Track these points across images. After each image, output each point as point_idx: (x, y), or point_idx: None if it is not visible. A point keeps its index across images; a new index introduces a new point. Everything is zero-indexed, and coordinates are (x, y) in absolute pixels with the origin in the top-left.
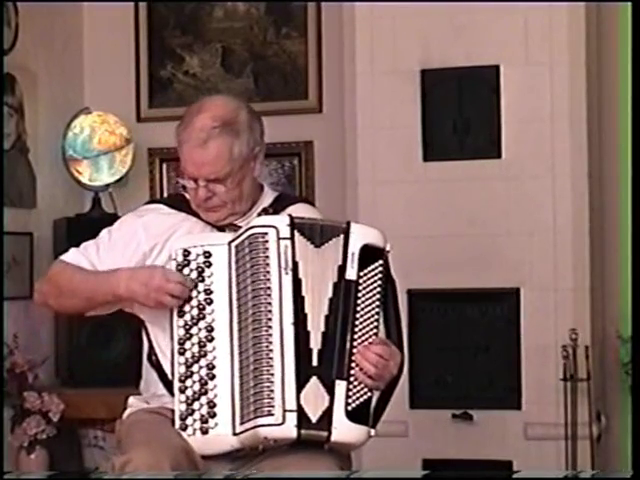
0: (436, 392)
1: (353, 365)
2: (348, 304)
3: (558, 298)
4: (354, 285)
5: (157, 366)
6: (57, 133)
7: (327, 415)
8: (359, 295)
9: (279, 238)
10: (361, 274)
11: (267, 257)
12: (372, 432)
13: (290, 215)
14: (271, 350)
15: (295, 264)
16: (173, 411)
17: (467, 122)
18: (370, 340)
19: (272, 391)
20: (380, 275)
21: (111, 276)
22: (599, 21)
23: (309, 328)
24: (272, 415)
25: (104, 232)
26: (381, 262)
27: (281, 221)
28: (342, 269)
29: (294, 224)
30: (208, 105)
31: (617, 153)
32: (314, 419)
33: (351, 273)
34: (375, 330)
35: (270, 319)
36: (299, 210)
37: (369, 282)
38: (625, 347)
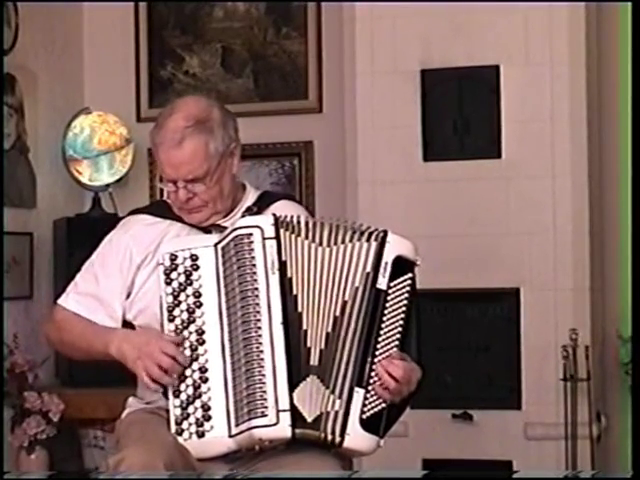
0: (436, 392)
1: (372, 374)
2: (375, 313)
3: (558, 298)
4: (383, 295)
5: None
6: (57, 133)
7: (333, 417)
8: (387, 305)
9: (264, 238)
10: (391, 285)
11: (253, 258)
12: (381, 442)
13: (274, 214)
14: (262, 351)
15: (284, 263)
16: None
17: (467, 122)
18: (391, 352)
19: (265, 392)
20: (408, 288)
21: (107, 334)
22: (599, 21)
23: (305, 327)
24: (266, 416)
25: (96, 258)
26: (410, 275)
27: (265, 221)
28: (373, 277)
29: (278, 223)
30: (179, 106)
31: (617, 153)
32: (310, 418)
33: (382, 282)
34: (397, 342)
35: (259, 320)
36: (283, 207)
37: (397, 294)
38: (625, 347)
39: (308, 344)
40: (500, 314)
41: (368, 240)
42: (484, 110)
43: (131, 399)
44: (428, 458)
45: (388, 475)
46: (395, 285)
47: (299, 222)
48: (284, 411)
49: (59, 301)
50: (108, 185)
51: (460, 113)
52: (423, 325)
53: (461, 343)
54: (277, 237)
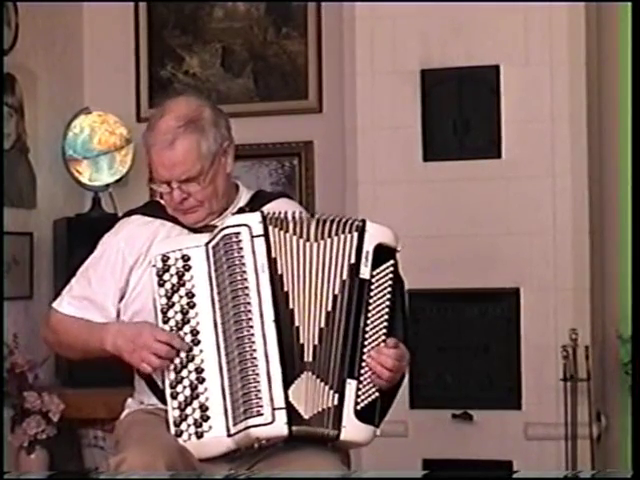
0: (436, 392)
1: (363, 365)
2: (361, 303)
3: (558, 298)
4: (367, 284)
5: (145, 377)
6: (57, 133)
7: (329, 412)
8: (371, 295)
9: (252, 236)
10: (374, 273)
11: (242, 257)
12: (377, 432)
13: (262, 211)
14: (255, 350)
15: (274, 260)
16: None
17: (467, 122)
18: (381, 340)
19: (259, 391)
20: (391, 275)
21: (100, 330)
22: (599, 21)
23: (297, 323)
24: (261, 415)
25: (89, 262)
26: (392, 262)
27: (253, 218)
28: (355, 267)
29: (266, 220)
30: (170, 107)
31: (617, 153)
32: (306, 415)
33: (365, 272)
34: (385, 330)
35: (251, 319)
36: (278, 206)
37: (381, 281)
38: (625, 347)
39: (301, 340)
40: (500, 314)
41: (350, 231)
42: (484, 110)
43: (130, 400)
44: (428, 458)
45: (388, 475)
46: (378, 273)
47: (286, 218)
48: (279, 409)
49: (54, 304)
50: (108, 185)
51: (460, 113)
52: (423, 325)
53: (461, 343)
54: (266, 235)
